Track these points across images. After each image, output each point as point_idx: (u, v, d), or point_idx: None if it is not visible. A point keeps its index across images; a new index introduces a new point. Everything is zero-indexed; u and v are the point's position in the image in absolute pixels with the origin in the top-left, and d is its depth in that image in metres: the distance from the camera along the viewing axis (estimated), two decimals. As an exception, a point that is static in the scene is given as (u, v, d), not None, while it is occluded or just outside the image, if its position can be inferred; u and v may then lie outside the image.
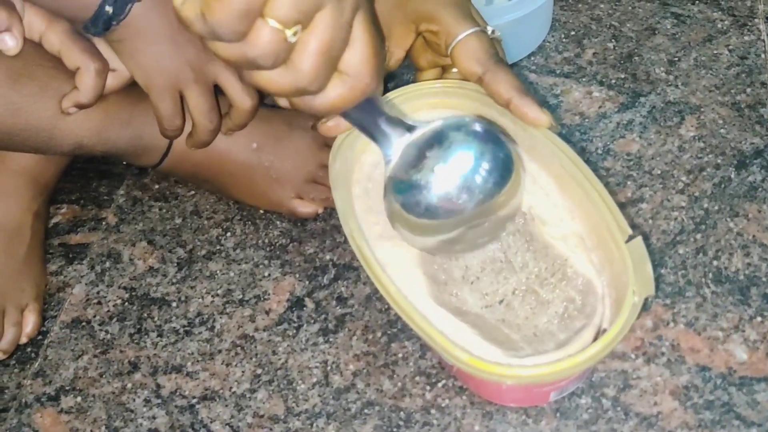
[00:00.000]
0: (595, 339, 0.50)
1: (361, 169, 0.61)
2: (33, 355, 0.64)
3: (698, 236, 0.63)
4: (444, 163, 0.50)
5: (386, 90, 0.58)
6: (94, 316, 0.66)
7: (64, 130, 0.58)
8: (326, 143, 0.67)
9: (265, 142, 0.65)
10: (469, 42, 0.55)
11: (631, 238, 0.51)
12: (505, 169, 0.52)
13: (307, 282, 0.65)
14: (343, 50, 0.41)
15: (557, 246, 0.55)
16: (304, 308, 0.63)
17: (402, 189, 0.51)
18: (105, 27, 0.54)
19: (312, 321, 0.62)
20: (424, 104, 0.61)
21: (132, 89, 0.60)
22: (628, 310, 0.49)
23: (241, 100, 0.60)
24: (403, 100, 0.60)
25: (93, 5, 0.54)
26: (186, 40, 0.57)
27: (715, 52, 0.74)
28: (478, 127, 0.51)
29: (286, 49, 0.39)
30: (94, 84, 0.56)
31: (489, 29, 0.58)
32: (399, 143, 0.50)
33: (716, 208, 0.64)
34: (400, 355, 0.59)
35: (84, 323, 0.65)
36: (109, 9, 0.53)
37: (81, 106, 0.57)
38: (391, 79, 0.73)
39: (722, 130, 0.68)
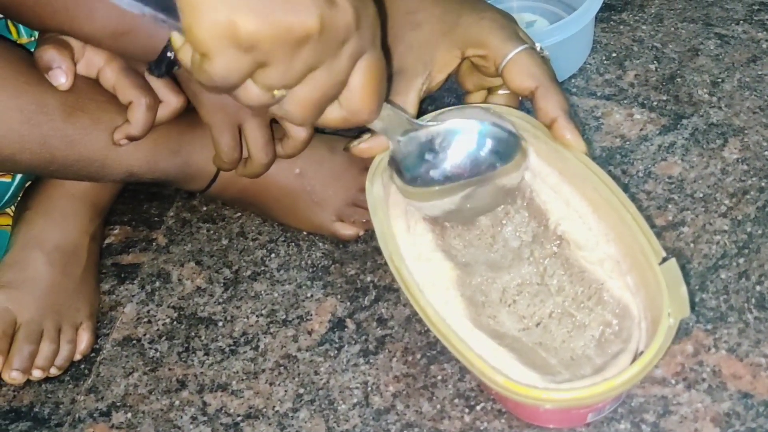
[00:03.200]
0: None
1: (398, 192, 0.62)
2: (86, 371, 0.67)
3: (741, 260, 0.62)
4: (449, 139, 0.56)
5: (425, 112, 0.59)
6: (144, 335, 0.68)
7: (116, 160, 0.61)
8: (366, 167, 0.68)
9: (308, 168, 0.66)
10: (520, 59, 0.56)
11: (664, 260, 0.51)
12: (507, 145, 0.57)
13: (348, 303, 0.66)
14: (337, 94, 0.43)
15: (593, 270, 0.56)
16: (346, 329, 0.64)
17: (411, 165, 0.56)
18: (167, 70, 0.57)
19: (353, 342, 0.63)
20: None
21: (181, 119, 0.62)
22: (663, 333, 0.49)
23: (298, 131, 0.62)
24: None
25: (157, 50, 0.57)
26: None
27: (759, 72, 0.73)
28: (485, 117, 0.56)
29: (276, 101, 0.42)
30: (145, 118, 0.58)
31: (538, 46, 0.59)
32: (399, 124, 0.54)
33: (760, 232, 0.63)
34: (439, 377, 0.60)
35: (135, 341, 0.68)
36: (171, 54, 0.56)
37: (132, 138, 0.59)
38: (432, 101, 0.74)
39: (766, 152, 0.68)
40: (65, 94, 0.58)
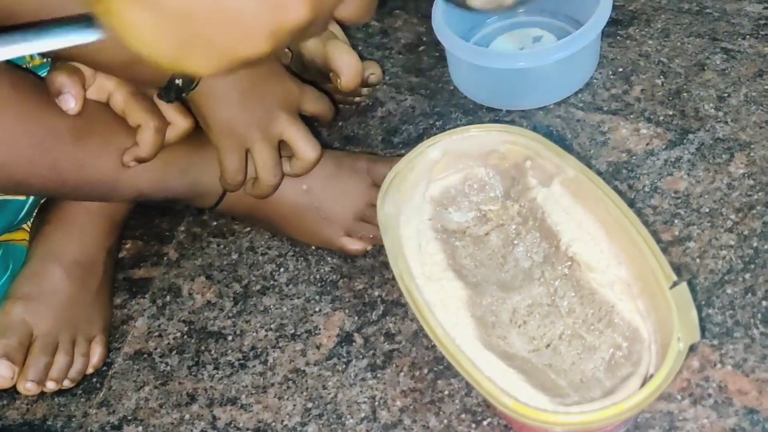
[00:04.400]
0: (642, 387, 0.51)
1: (409, 211, 0.63)
2: (98, 385, 0.68)
3: (747, 276, 0.62)
4: None
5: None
6: (155, 349, 0.69)
7: (126, 181, 0.62)
8: (374, 183, 0.69)
9: (315, 184, 0.67)
10: None
11: (675, 284, 0.52)
12: None
13: (356, 317, 0.67)
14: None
15: (604, 292, 0.56)
16: (353, 343, 0.65)
17: None
18: (176, 96, 0.59)
19: (361, 356, 0.64)
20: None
21: (189, 139, 0.63)
22: (673, 358, 0.49)
23: (306, 153, 0.63)
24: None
25: (166, 77, 0.58)
26: (255, 101, 0.60)
27: (765, 87, 0.73)
28: None
29: None
30: (153, 140, 0.60)
31: None
32: None
33: (766, 247, 0.63)
34: (446, 392, 0.61)
35: (146, 355, 0.69)
36: (178, 81, 0.57)
37: (141, 160, 0.60)
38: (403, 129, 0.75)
39: (773, 167, 0.68)
40: (75, 119, 0.59)
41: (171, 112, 0.61)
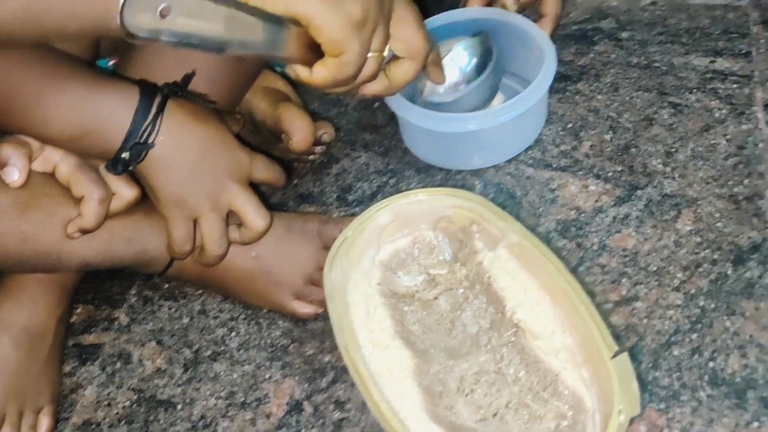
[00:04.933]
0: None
1: (357, 276, 0.63)
2: (44, 459, 0.66)
3: (694, 336, 0.62)
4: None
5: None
6: (104, 419, 0.68)
7: (71, 253, 0.62)
8: (324, 245, 0.69)
9: (265, 249, 0.67)
10: None
11: (617, 353, 0.52)
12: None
13: (306, 384, 0.66)
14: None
15: (549, 360, 0.56)
16: (303, 412, 0.64)
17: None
18: (124, 169, 0.58)
19: (310, 426, 0.63)
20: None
21: (136, 207, 0.63)
22: (614, 431, 0.49)
23: (255, 223, 0.63)
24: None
25: (112, 151, 0.58)
26: (204, 171, 0.60)
27: (712, 142, 0.74)
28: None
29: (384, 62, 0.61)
30: (97, 211, 0.59)
31: None
32: None
33: (712, 306, 0.64)
34: (395, 462, 0.60)
35: (94, 426, 0.68)
36: (125, 155, 0.57)
37: (85, 232, 0.60)
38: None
39: (719, 224, 0.68)
40: (19, 191, 0.59)
41: (117, 182, 0.61)
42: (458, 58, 0.76)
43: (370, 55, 0.57)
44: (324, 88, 0.59)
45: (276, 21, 0.52)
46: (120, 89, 0.57)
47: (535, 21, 0.79)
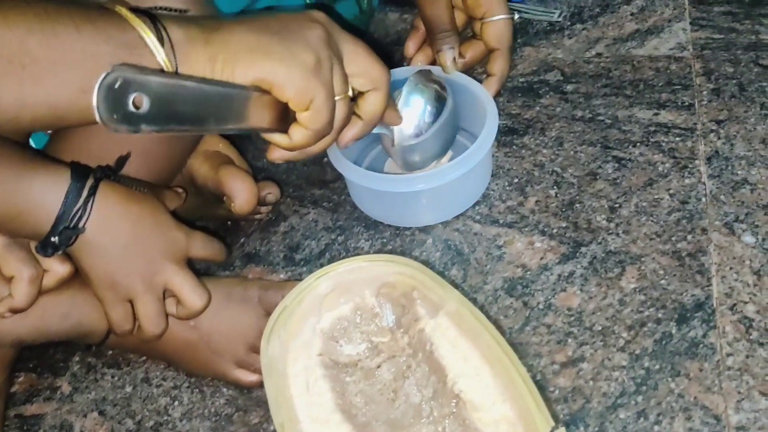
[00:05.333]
0: None
1: (297, 347, 0.62)
2: None
3: (639, 398, 0.62)
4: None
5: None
6: (42, 496, 0.66)
7: (3, 331, 0.61)
8: (266, 312, 0.68)
9: (204, 318, 0.66)
10: (500, 23, 0.78)
11: (553, 429, 0.51)
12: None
13: (249, 456, 0.65)
14: None
15: (489, 432, 0.55)
16: (246, 486, 0.63)
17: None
18: (53, 252, 0.57)
19: (252, 501, 0.62)
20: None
21: (70, 281, 0.62)
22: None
23: (192, 302, 0.62)
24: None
25: (42, 233, 0.57)
26: (138, 254, 0.59)
27: (656, 197, 0.74)
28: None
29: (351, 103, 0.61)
30: (27, 291, 0.58)
31: (516, 16, 0.85)
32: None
33: (657, 367, 0.63)
34: None
35: (31, 504, 0.66)
36: (54, 239, 0.56)
37: (16, 311, 0.59)
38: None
39: (663, 281, 0.68)
40: None
41: (49, 259, 0.60)
42: (412, 101, 0.75)
43: (336, 98, 0.57)
44: (307, 146, 0.59)
45: (244, 90, 0.52)
46: (51, 172, 0.56)
47: (482, 78, 0.80)
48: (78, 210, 0.56)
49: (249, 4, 0.79)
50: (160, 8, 0.56)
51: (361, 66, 0.59)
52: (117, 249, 0.58)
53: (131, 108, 0.45)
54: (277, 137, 0.58)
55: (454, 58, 0.78)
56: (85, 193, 0.56)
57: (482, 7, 0.78)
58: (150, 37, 0.48)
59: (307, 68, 0.53)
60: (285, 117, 0.56)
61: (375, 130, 0.70)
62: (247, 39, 0.52)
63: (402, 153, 0.75)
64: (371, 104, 0.62)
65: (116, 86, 0.44)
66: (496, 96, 0.80)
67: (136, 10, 0.49)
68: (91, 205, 0.56)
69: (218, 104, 0.50)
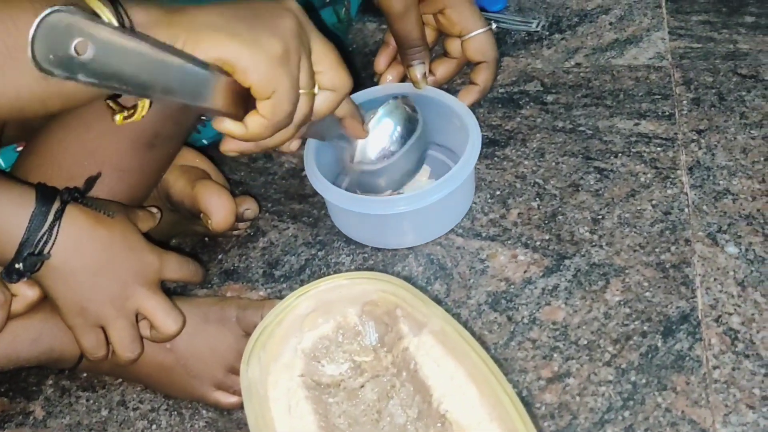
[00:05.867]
0: None
1: (278, 369, 0.60)
2: None
3: (626, 414, 0.61)
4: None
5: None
6: None
7: None
8: (245, 332, 0.66)
9: (180, 342, 0.64)
10: (480, 37, 0.79)
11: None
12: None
13: (230, 481, 0.63)
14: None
15: (476, 453, 0.54)
16: None
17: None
18: (19, 278, 0.55)
19: None
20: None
21: (40, 306, 0.60)
22: None
23: (165, 326, 0.60)
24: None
25: (7, 260, 0.55)
26: (108, 279, 0.57)
27: (638, 208, 0.74)
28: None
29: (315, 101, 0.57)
30: None
31: (494, 26, 0.91)
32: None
33: (644, 381, 0.63)
34: None
35: None
36: (19, 266, 0.54)
37: None
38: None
39: (647, 293, 0.68)
40: None
41: (18, 284, 0.58)
42: (384, 124, 0.74)
43: (301, 92, 0.55)
44: (260, 138, 0.55)
45: (203, 66, 0.49)
46: (15, 195, 0.54)
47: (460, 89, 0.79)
48: (43, 235, 0.54)
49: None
50: None
51: (326, 65, 0.57)
52: (85, 274, 0.56)
53: (72, 52, 0.42)
54: (231, 126, 0.54)
55: (425, 74, 0.77)
56: (50, 218, 0.54)
57: (457, 25, 0.78)
58: (111, 20, 0.46)
59: (274, 56, 0.51)
60: (242, 103, 0.53)
61: (336, 141, 0.69)
62: (212, 20, 0.50)
63: (359, 174, 0.73)
64: (321, 102, 0.59)
65: (61, 26, 0.41)
66: (473, 105, 0.79)
67: None
68: (57, 230, 0.54)
69: (171, 74, 0.47)
